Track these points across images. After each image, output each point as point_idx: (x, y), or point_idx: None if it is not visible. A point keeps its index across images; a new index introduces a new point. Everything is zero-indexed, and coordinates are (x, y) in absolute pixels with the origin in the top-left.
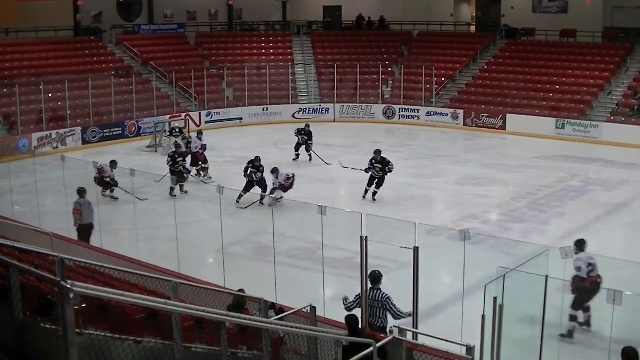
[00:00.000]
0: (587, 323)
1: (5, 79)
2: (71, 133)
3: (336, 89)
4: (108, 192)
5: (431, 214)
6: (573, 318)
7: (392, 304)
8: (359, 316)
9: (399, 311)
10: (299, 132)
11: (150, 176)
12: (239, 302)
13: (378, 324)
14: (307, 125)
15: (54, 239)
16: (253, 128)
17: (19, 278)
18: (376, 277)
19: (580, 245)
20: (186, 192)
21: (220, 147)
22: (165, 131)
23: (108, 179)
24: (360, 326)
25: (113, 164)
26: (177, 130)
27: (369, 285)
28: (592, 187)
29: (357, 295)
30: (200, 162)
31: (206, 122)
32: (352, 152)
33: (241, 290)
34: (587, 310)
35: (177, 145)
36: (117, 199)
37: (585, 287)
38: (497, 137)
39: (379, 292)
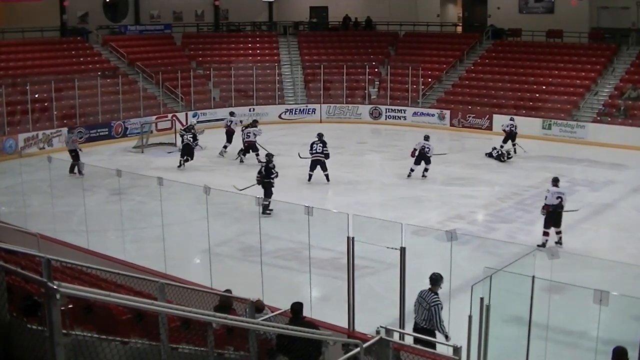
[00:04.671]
0: None
1: None
2: (57, 133)
3: (323, 90)
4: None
5: (417, 214)
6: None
7: (438, 312)
8: (349, 315)
9: (441, 323)
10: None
11: (136, 176)
12: (226, 303)
13: (421, 325)
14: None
15: (40, 240)
16: (239, 129)
17: (5, 279)
18: (432, 279)
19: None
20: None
21: (207, 147)
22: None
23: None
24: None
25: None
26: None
27: (428, 285)
28: (578, 188)
29: None
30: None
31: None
32: (338, 152)
33: (228, 291)
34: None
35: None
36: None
37: None
38: (484, 137)
39: (431, 294)
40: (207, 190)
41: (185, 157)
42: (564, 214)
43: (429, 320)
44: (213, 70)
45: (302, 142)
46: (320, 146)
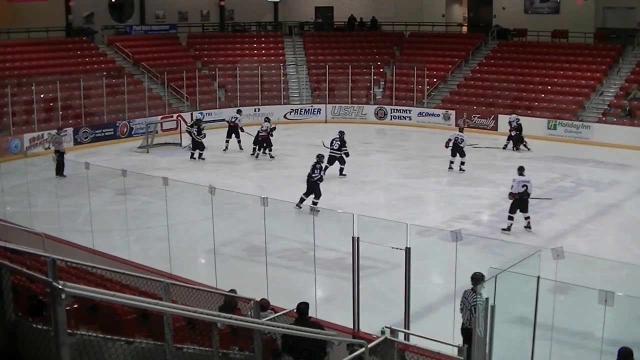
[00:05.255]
0: None
1: None
2: (63, 134)
3: (328, 90)
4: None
5: (422, 214)
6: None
7: (478, 312)
8: (354, 315)
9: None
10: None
11: (141, 176)
12: (231, 303)
13: (466, 325)
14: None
15: (45, 240)
16: (245, 129)
17: (10, 278)
18: (473, 279)
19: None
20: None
21: (212, 147)
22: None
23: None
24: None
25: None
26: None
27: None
28: (583, 188)
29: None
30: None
31: None
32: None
33: (232, 291)
34: None
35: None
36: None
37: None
38: (489, 137)
39: (473, 295)
40: (212, 190)
41: (196, 150)
42: (538, 200)
43: (471, 320)
44: (218, 71)
45: (307, 143)
46: (337, 144)
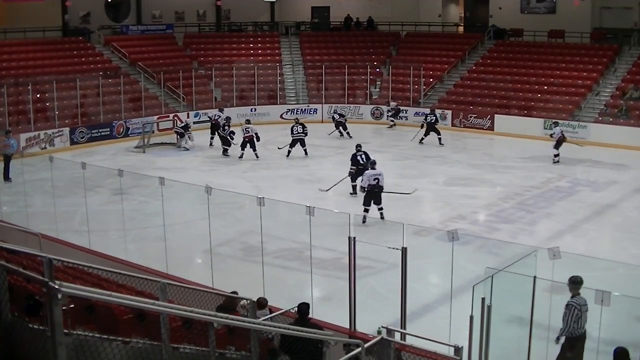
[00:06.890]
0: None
1: None
2: (59, 133)
3: (324, 90)
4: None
5: (419, 214)
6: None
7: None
8: (351, 315)
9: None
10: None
11: (138, 176)
12: (229, 304)
13: (583, 331)
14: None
15: (42, 240)
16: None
17: (7, 278)
18: (577, 282)
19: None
20: None
21: (208, 147)
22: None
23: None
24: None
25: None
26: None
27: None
28: (580, 188)
29: None
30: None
31: (194, 123)
32: (339, 152)
33: (234, 293)
34: None
35: None
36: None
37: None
38: (485, 137)
39: (584, 299)
40: (209, 190)
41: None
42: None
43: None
44: (215, 70)
45: (306, 143)
46: (300, 127)
